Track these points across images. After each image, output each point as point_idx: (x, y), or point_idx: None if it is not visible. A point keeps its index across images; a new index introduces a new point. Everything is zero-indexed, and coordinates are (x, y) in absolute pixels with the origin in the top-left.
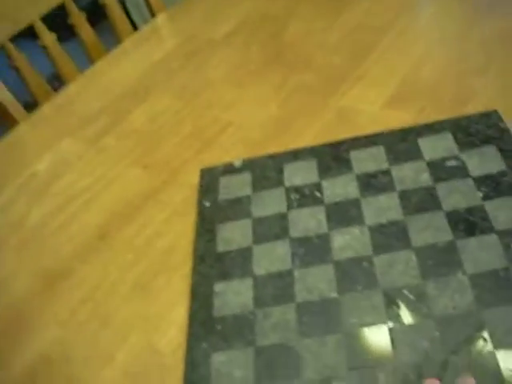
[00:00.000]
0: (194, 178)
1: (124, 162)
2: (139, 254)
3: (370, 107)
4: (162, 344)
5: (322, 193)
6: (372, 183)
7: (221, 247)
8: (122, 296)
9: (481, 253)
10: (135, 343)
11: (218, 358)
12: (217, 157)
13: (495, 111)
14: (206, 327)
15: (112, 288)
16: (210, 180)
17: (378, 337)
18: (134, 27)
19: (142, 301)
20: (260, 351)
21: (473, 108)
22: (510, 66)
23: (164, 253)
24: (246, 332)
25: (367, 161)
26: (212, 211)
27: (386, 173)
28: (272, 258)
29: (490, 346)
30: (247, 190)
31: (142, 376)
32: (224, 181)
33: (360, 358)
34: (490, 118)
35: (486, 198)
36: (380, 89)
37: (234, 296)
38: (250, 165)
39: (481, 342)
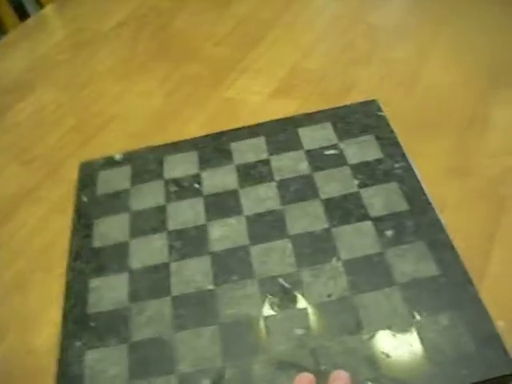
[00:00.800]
0: (74, 173)
1: (2, 158)
2: (16, 252)
3: (256, 98)
4: (38, 344)
5: (201, 184)
6: (251, 174)
7: (97, 242)
8: None
9: (356, 239)
10: (12, 343)
11: (92, 356)
12: (99, 151)
13: (374, 100)
14: (79, 325)
15: None
16: (88, 174)
17: (253, 327)
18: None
19: (19, 300)
20: (134, 347)
21: (355, 97)
22: (391, 55)
23: (41, 251)
24: (120, 328)
25: (247, 151)
26: (89, 206)
27: (265, 163)
28: (148, 251)
29: (363, 332)
30: (126, 184)
31: (17, 376)
32: (103, 175)
33: (236, 349)
34: (369, 108)
35: (361, 185)
36: (266, 79)
37: (109, 291)
38: (130, 158)
39: (353, 327)
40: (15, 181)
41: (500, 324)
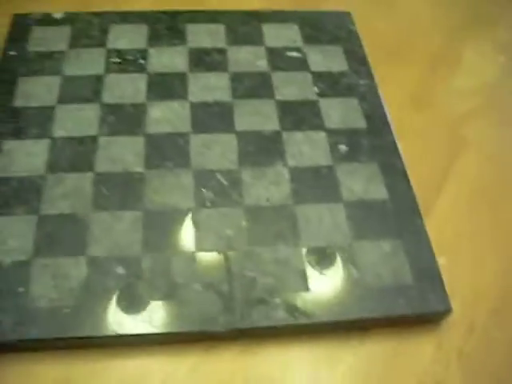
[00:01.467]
0: (4, 25)
1: None
2: None
3: None
4: None
5: (146, 61)
6: (204, 60)
7: (19, 102)
8: None
9: (306, 148)
10: None
11: None
12: (35, 5)
13: (349, 13)
14: None
15: None
16: (21, 28)
17: (180, 219)
18: None
19: None
20: (44, 220)
21: (330, 6)
22: None
23: None
24: (31, 198)
25: (204, 36)
26: (17, 62)
27: (222, 52)
28: (76, 120)
29: (299, 243)
30: (63, 46)
31: None
32: (38, 31)
33: (157, 239)
34: (342, 19)
35: (321, 94)
36: None
37: (24, 156)
38: (71, 19)
39: (289, 237)
40: None
41: (441, 260)
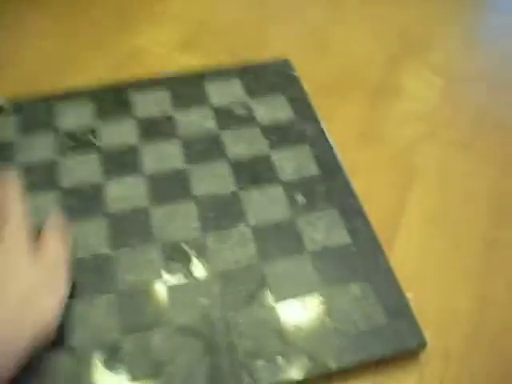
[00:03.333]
0: None
1: None
2: None
3: (162, 49)
4: None
5: (97, 138)
6: (153, 129)
7: None
8: None
9: (265, 204)
10: None
11: None
12: None
13: (287, 60)
14: None
15: None
16: None
17: (154, 295)
18: None
19: None
20: None
21: (267, 55)
22: (306, 15)
23: None
24: None
25: (150, 105)
26: None
27: (170, 118)
28: (38, 211)
29: (271, 302)
30: (10, 134)
31: None
32: None
33: (134, 319)
34: (281, 67)
35: (272, 147)
36: (174, 30)
37: None
38: (17, 105)
39: (262, 296)
40: None
41: (409, 295)
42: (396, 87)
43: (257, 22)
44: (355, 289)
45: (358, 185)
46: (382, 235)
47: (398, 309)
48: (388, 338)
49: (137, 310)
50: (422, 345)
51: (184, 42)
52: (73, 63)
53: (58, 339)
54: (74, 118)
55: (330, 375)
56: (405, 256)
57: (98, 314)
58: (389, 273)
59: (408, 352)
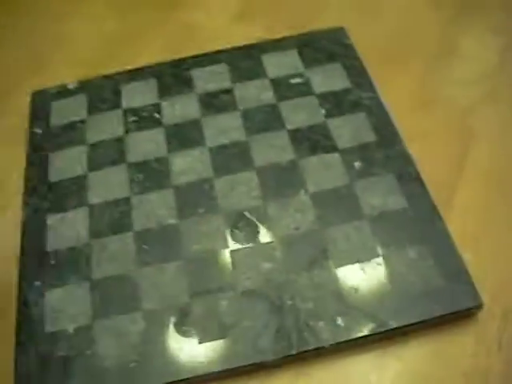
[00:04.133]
0: (25, 102)
1: None
2: None
3: (218, 22)
4: None
5: (161, 114)
6: (214, 103)
7: (54, 177)
8: None
9: (323, 171)
10: None
11: (53, 296)
12: (50, 79)
13: (341, 28)
14: (38, 263)
15: None
16: (41, 104)
17: (219, 261)
18: None
19: None
20: (96, 284)
21: (321, 24)
22: None
23: None
24: (81, 265)
25: (209, 79)
26: (44, 139)
27: (229, 92)
28: (108, 185)
29: (331, 265)
30: (82, 114)
31: None
32: (57, 105)
33: (202, 284)
34: (336, 35)
35: (329, 115)
36: (229, 3)
37: (68, 228)
38: (84, 86)
39: (322, 261)
40: None
41: (466, 256)
42: (453, 50)
43: None
44: (413, 252)
45: (415, 150)
46: (439, 199)
47: (456, 270)
48: (445, 298)
49: (204, 276)
50: (480, 306)
51: (239, 14)
52: (133, 43)
53: (132, 303)
54: (138, 95)
55: (390, 335)
56: (462, 219)
57: (168, 280)
58: (446, 236)
59: (465, 313)
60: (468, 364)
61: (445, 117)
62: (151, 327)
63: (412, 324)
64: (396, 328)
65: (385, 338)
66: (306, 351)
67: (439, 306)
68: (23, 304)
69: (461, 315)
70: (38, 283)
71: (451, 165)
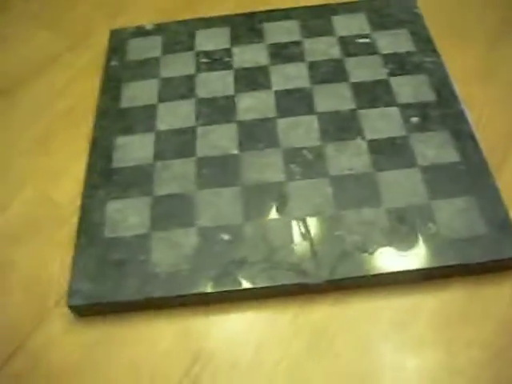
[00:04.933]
0: (103, 40)
1: (32, 26)
2: (40, 112)
3: None
4: (58, 195)
5: (231, 58)
6: (282, 53)
7: (125, 104)
8: (19, 150)
9: (381, 122)
10: (31, 194)
11: (114, 206)
12: (128, 21)
13: None
14: (103, 177)
15: (9, 142)
16: (119, 41)
17: (273, 191)
18: None
19: (40, 156)
20: (156, 200)
21: None
22: None
23: (67, 111)
24: (144, 182)
25: (280, 33)
26: (118, 70)
27: (298, 44)
28: (176, 115)
29: (381, 206)
30: (157, 52)
31: (35, 224)
32: (134, 42)
33: (255, 210)
34: (405, 3)
35: (391, 74)
36: None
37: (134, 149)
38: (161, 29)
39: (371, 200)
40: (44, 47)
41: None
42: None
43: None
44: (460, 201)
45: (473, 114)
46: (491, 160)
47: (501, 222)
48: (488, 246)
49: (258, 202)
50: None
51: None
52: None
53: (188, 219)
54: (211, 40)
55: (431, 275)
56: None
57: (224, 202)
58: (495, 191)
59: (507, 263)
60: (504, 313)
61: (505, 89)
62: (204, 242)
63: (453, 266)
64: (437, 267)
65: (426, 277)
66: (347, 278)
67: (481, 252)
68: (85, 210)
69: (502, 265)
70: (101, 193)
71: (507, 132)
